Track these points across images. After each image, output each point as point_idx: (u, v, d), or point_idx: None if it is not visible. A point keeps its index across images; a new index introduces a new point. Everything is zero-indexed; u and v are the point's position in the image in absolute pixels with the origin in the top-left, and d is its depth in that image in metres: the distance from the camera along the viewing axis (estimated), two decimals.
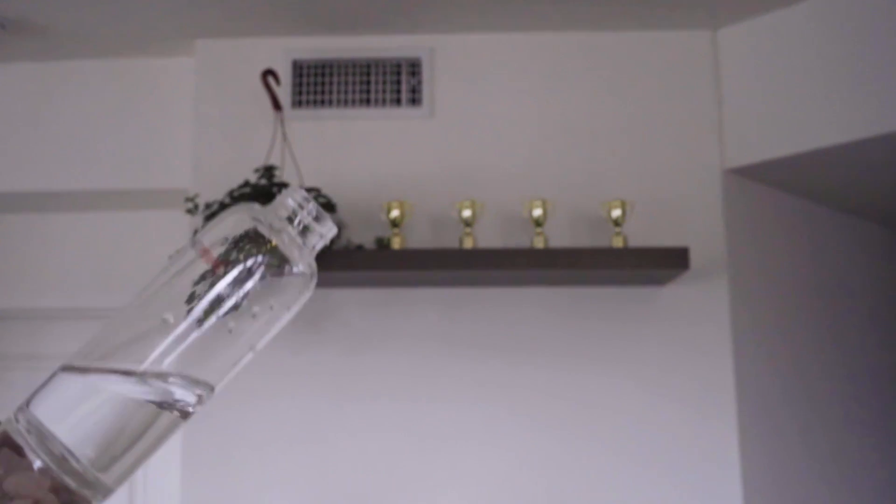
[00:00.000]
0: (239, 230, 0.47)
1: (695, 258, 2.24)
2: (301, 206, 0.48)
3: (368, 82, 2.44)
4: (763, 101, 2.35)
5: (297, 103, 2.44)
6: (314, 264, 0.48)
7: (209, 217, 2.16)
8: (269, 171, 2.20)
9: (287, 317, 0.48)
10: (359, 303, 2.35)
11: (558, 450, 2.26)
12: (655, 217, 2.31)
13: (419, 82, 2.43)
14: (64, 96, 2.56)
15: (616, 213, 2.22)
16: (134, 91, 2.56)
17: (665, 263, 2.15)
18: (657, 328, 2.31)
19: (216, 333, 0.47)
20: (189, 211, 2.21)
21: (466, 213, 2.23)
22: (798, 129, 2.27)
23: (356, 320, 2.35)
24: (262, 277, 0.47)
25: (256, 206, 0.49)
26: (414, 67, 2.44)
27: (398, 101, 2.43)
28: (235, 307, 0.47)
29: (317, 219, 0.49)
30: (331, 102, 2.44)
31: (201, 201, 2.22)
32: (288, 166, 2.30)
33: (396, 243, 2.21)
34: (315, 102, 2.44)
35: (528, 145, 2.40)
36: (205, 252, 0.47)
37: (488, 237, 2.30)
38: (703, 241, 2.30)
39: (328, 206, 2.16)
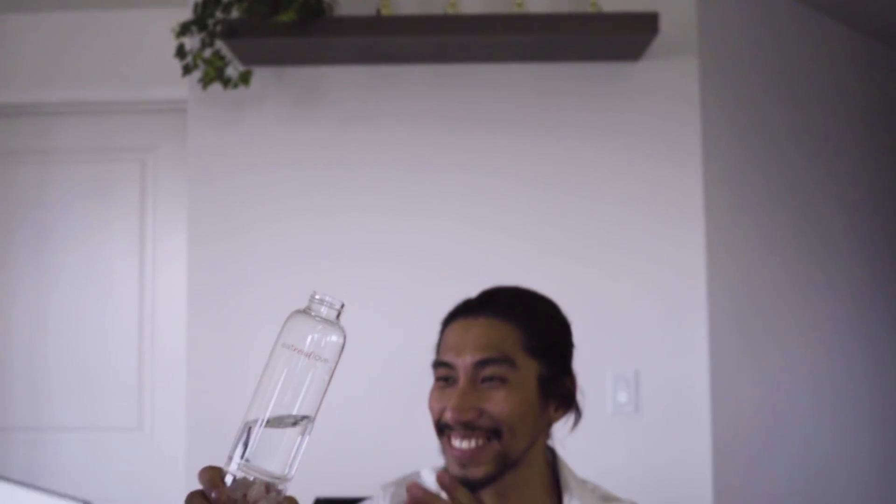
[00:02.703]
0: (312, 327, 0.82)
1: (666, 34, 2.39)
2: (324, 301, 0.83)
3: None
4: None
5: None
6: (343, 329, 0.84)
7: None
8: None
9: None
10: (350, 80, 2.51)
11: (535, 205, 2.44)
12: None
13: None
14: None
15: None
16: None
17: (636, 27, 2.29)
18: (630, 102, 2.47)
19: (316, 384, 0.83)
20: None
21: None
22: None
23: (348, 97, 2.51)
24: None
25: (299, 312, 0.84)
26: None
27: None
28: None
29: (332, 302, 0.83)
30: None
31: None
32: None
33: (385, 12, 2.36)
34: None
35: None
36: (297, 350, 0.81)
37: (473, 10, 2.44)
38: (675, 20, 2.44)
39: None
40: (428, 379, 1.28)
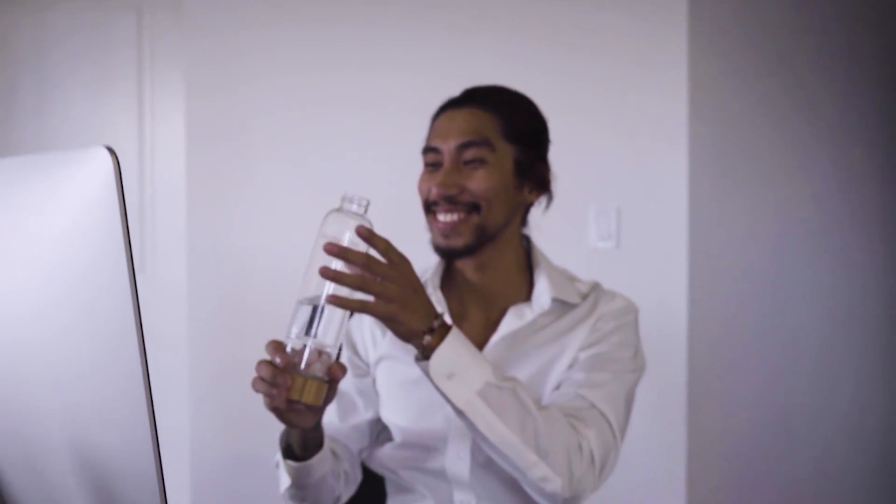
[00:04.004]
0: (345, 222, 1.04)
1: None
2: (353, 199, 1.04)
3: None
4: None
5: None
6: (370, 222, 1.05)
7: None
8: None
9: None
10: None
11: (518, 61, 2.50)
12: None
13: None
14: None
15: None
16: None
17: None
18: None
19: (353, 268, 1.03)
20: None
21: None
22: None
23: None
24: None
25: (335, 210, 1.05)
26: None
27: None
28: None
29: (360, 200, 1.04)
30: None
31: None
32: None
33: None
34: None
35: None
36: (336, 240, 1.02)
37: None
38: None
39: None
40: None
